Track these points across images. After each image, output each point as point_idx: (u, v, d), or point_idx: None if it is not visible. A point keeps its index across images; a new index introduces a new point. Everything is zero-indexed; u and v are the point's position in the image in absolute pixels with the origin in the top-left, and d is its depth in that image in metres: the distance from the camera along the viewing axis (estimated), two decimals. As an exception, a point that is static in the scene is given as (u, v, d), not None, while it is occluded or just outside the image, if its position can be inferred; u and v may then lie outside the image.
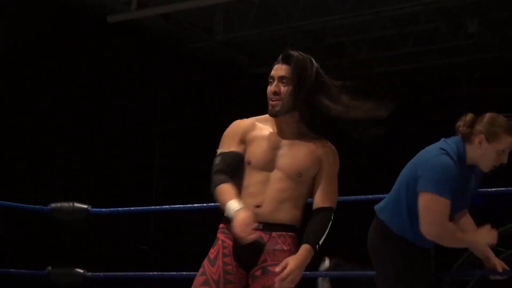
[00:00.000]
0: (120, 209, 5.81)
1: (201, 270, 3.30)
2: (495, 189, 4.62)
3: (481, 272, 4.34)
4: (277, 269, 3.09)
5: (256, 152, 3.34)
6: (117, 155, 11.66)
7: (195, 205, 5.51)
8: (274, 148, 3.33)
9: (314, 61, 3.44)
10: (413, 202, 3.83)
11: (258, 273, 3.22)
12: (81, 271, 5.30)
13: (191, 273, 5.62)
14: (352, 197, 4.92)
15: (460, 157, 3.91)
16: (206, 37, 12.46)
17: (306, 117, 3.34)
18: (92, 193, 10.20)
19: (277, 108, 3.33)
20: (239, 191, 3.27)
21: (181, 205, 5.74)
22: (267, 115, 3.42)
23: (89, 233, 10.50)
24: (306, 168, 3.29)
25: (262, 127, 3.41)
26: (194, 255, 12.20)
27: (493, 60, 13.38)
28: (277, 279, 3.08)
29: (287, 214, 3.27)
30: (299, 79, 3.31)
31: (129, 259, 10.99)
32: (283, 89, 3.33)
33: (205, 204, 5.49)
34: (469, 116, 3.99)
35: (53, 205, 5.28)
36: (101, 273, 5.33)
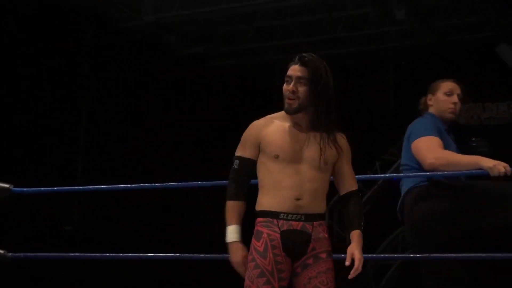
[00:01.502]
0: (43, 188, 5.71)
1: (252, 264, 3.51)
2: (420, 174, 4.66)
3: (403, 256, 4.43)
4: (347, 262, 3.49)
5: (282, 146, 3.61)
6: (41, 133, 11.46)
7: (120, 185, 5.45)
8: (296, 141, 3.62)
9: (325, 63, 3.72)
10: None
11: (310, 261, 3.53)
12: (1, 251, 5.20)
13: (114, 254, 5.58)
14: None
15: (434, 117, 4.68)
16: (134, 17, 12.31)
17: (320, 114, 3.62)
18: (15, 172, 10.00)
19: (294, 106, 3.60)
20: (270, 185, 3.58)
21: (105, 186, 5.67)
22: (281, 113, 3.71)
23: (11, 213, 10.31)
24: (328, 157, 3.61)
25: (280, 122, 3.68)
26: (119, 237, 12.12)
27: (420, 47, 13.55)
28: (352, 271, 3.47)
29: (320, 203, 3.61)
30: (315, 81, 3.58)
31: (52, 240, 10.83)
32: (300, 89, 3.59)
33: (129, 186, 5.43)
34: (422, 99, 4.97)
35: (-27, 183, 5.15)
36: (22, 254, 5.23)
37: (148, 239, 12.02)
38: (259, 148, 3.66)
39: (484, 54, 13.36)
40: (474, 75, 14.10)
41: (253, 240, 3.55)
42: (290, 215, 3.51)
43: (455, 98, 4.75)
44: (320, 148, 3.59)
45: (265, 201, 3.57)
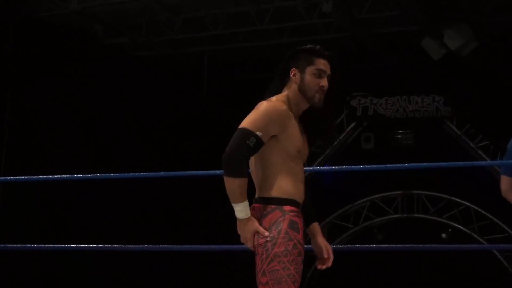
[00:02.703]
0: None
1: (300, 258, 3.44)
2: (346, 166, 4.69)
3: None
4: (326, 255, 3.61)
5: (302, 142, 3.56)
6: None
7: (41, 176, 5.36)
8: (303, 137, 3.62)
9: None
10: None
11: None
12: None
13: (35, 245, 5.48)
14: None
15: None
16: (59, 5, 12.11)
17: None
18: None
19: (322, 102, 3.58)
20: (287, 174, 3.49)
21: (27, 177, 5.57)
22: (283, 96, 3.59)
23: None
24: None
25: (292, 114, 3.56)
26: (44, 227, 11.91)
27: (347, 40, 13.65)
28: (329, 262, 3.63)
29: None
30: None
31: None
32: (328, 85, 3.59)
33: (50, 176, 5.34)
34: None
35: None
36: None
37: (71, 230, 11.88)
38: (272, 137, 3.50)
39: (409, 47, 13.54)
40: (399, 68, 14.30)
41: (290, 231, 3.42)
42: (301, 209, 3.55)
43: None
44: (308, 144, 3.63)
45: (289, 190, 3.47)
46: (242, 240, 3.45)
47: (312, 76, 3.56)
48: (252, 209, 3.46)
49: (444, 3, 11.84)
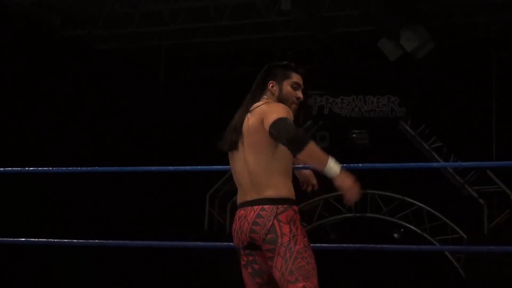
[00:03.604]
0: None
1: (312, 253, 3.54)
2: (300, 166, 4.71)
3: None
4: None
5: None
6: None
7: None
8: None
9: None
10: None
11: None
12: None
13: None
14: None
15: None
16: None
17: None
18: None
19: (297, 113, 3.77)
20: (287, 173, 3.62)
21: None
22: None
23: None
24: None
25: None
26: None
27: (305, 38, 13.70)
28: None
29: None
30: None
31: None
32: (302, 98, 3.82)
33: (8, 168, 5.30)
34: None
35: None
36: None
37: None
38: None
39: (366, 47, 13.63)
40: (356, 67, 14.39)
41: (301, 228, 3.56)
42: None
43: None
44: None
45: (292, 190, 3.63)
46: (347, 191, 3.42)
47: (290, 88, 3.75)
48: (261, 210, 3.51)
49: (401, 4, 11.94)
